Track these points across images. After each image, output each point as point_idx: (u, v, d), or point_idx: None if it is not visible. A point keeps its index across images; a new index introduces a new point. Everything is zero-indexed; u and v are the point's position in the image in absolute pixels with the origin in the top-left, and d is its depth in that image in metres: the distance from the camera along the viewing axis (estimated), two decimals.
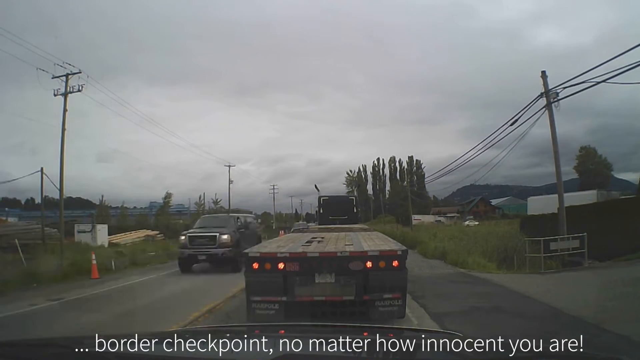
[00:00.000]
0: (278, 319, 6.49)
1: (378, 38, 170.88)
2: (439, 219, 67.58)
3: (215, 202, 59.58)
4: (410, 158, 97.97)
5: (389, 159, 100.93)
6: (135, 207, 68.53)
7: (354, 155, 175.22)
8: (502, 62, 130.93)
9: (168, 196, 52.12)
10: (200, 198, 61.80)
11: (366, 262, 6.63)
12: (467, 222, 53.54)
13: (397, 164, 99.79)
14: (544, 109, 15.30)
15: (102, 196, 60.79)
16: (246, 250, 7.25)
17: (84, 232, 27.62)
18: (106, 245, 26.57)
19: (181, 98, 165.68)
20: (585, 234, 14.28)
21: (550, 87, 15.19)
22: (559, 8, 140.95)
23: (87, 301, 10.33)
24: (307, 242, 8.31)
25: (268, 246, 8.53)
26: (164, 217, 47.74)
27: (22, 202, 79.65)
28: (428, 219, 63.70)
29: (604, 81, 12.67)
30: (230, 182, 51.33)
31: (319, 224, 16.33)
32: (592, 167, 53.80)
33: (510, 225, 30.43)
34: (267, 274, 6.66)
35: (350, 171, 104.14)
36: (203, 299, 9.50)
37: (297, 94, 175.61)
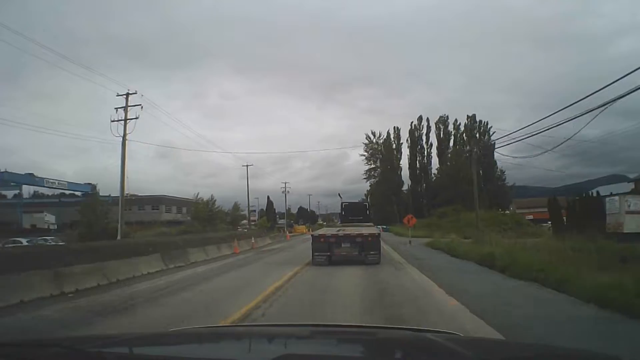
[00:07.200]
0: (326, 263, 14.53)
1: (479, 41, 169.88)
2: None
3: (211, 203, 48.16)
4: (472, 118, 64.48)
5: (436, 119, 67.44)
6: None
7: None
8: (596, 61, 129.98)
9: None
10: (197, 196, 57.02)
11: (364, 238, 14.90)
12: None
13: (452, 126, 65.42)
14: None
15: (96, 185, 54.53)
16: (312, 233, 19.60)
17: None
18: None
19: (258, 91, 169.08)
20: None
21: None
22: None
23: None
24: (337, 230, 17.38)
25: (321, 231, 18.43)
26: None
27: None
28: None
29: None
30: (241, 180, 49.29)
31: (341, 222, 22.25)
32: None
33: None
34: (321, 243, 15.21)
35: (373, 134, 71.10)
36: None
37: (379, 89, 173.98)
